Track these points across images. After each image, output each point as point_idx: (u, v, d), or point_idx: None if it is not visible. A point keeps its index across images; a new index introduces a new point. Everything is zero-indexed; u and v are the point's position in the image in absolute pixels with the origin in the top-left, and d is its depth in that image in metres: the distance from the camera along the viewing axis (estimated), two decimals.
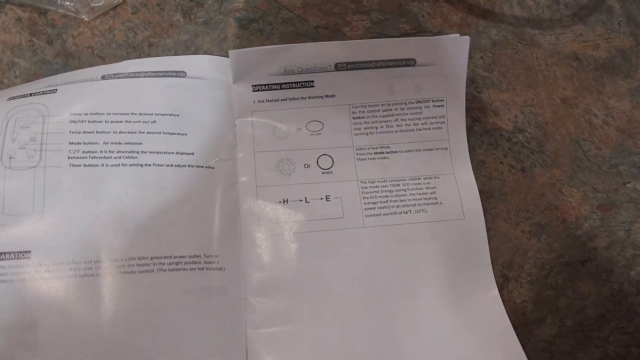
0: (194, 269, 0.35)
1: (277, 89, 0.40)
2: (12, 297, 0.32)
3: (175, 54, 0.41)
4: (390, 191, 0.39)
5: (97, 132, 0.36)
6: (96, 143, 0.36)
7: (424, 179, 0.40)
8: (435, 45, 0.39)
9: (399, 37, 0.43)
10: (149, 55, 0.41)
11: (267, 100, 0.40)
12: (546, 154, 0.42)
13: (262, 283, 0.36)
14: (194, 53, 0.42)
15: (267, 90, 0.40)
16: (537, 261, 0.39)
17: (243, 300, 0.35)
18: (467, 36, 0.39)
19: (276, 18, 0.44)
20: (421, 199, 0.39)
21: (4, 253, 0.32)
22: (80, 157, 0.35)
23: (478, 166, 0.41)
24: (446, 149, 0.41)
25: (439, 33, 0.44)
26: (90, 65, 0.40)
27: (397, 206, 0.39)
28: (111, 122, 0.37)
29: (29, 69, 0.40)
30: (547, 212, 0.41)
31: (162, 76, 0.39)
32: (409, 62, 0.40)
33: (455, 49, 0.40)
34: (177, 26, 0.42)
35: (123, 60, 0.41)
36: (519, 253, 0.39)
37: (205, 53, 0.42)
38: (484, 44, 0.45)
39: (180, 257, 0.35)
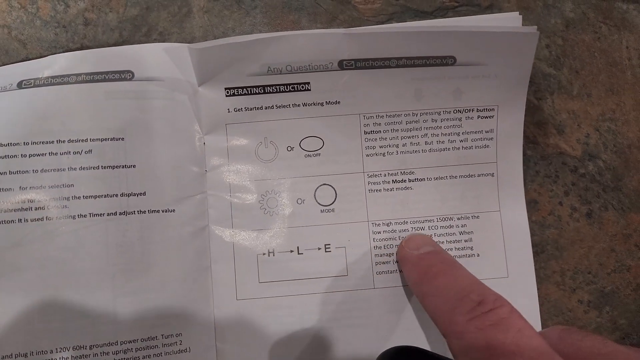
0: (149, 356, 0.27)
1: (259, 94, 0.29)
2: None
3: (121, 37, 0.30)
4: None
5: (10, 173, 0.26)
6: (9, 189, 0.26)
7: (458, 219, 0.29)
8: (486, 40, 0.27)
9: (432, 12, 0.30)
10: (84, 37, 0.30)
11: (246, 109, 0.29)
12: (624, 192, 0.30)
13: None
14: (146, 35, 0.30)
15: (245, 94, 0.29)
16: None
17: None
18: (534, 28, 0.26)
19: None
20: (452, 248, 0.29)
21: None
22: None
23: (528, 207, 0.30)
24: (493, 175, 0.30)
25: (490, 7, 0.30)
26: (7, 53, 0.29)
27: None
28: (30, 156, 0.27)
29: None
30: (615, 274, 0.30)
31: (100, 80, 0.28)
32: (445, 61, 0.28)
33: (516, 46, 0.27)
34: None
35: (50, 46, 0.29)
36: None
37: (160, 36, 0.30)
38: (553, 25, 0.31)
39: (130, 342, 0.26)
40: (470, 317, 0.21)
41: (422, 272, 0.25)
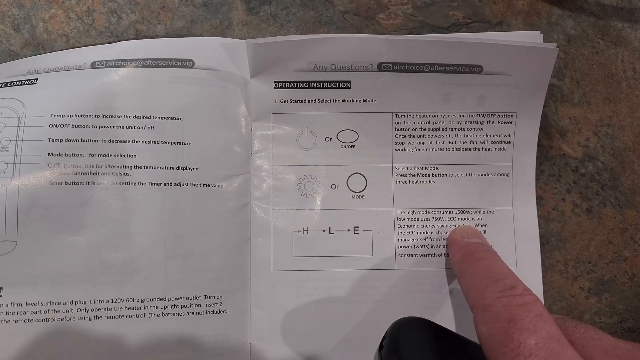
0: (193, 313, 0.30)
1: (304, 88, 0.32)
2: None
3: None
4: (432, 226, 0.32)
5: (82, 141, 0.30)
6: (80, 155, 0.29)
7: (474, 212, 0.33)
8: (511, 53, 0.30)
9: (448, 27, 0.34)
10: None
11: (291, 101, 0.32)
12: (620, 191, 0.34)
13: (270, 328, 0.31)
14: None
15: (292, 88, 0.32)
16: (593, 325, 0.32)
17: (248, 345, 0.31)
18: (554, 45, 0.30)
19: (294, 0, 0.34)
20: None
21: None
22: (62, 173, 0.29)
23: None
24: (508, 175, 0.33)
25: (500, 24, 0.34)
26: None
27: (437, 246, 0.32)
28: (100, 127, 0.30)
29: None
30: (612, 264, 0.33)
31: (165, 66, 0.31)
32: (473, 69, 0.31)
33: (537, 59, 0.30)
34: (170, 8, 0.33)
35: None
36: (574, 314, 0.33)
37: None
38: (556, 41, 0.34)
39: (177, 299, 0.30)
40: (500, 295, 0.24)
41: (467, 254, 0.29)
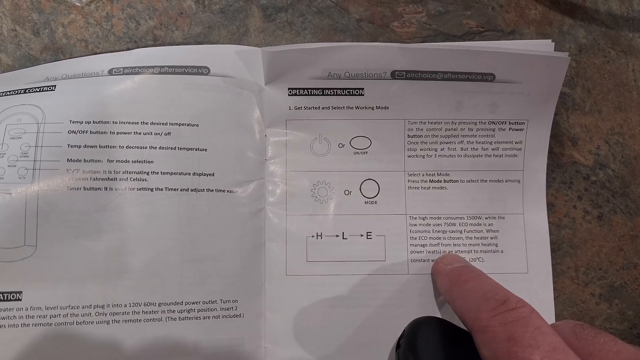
0: (209, 317, 0.30)
1: (318, 95, 0.33)
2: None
3: None
4: (444, 232, 0.33)
5: (100, 147, 0.30)
6: (99, 161, 0.30)
7: (486, 218, 0.33)
8: (523, 62, 0.31)
9: (461, 36, 0.34)
10: None
11: (305, 108, 0.33)
12: (631, 198, 0.34)
13: (285, 331, 0.31)
14: None
15: (306, 95, 0.33)
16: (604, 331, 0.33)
17: (263, 349, 0.31)
18: (566, 54, 0.30)
19: (309, 7, 0.34)
20: (479, 244, 0.33)
21: None
22: (80, 179, 0.29)
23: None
24: (519, 181, 0.33)
25: (512, 32, 0.35)
26: None
27: (449, 252, 0.33)
28: (117, 133, 0.30)
29: (12, 67, 0.33)
30: (623, 271, 0.34)
31: (181, 73, 0.32)
32: (485, 77, 0.32)
33: (549, 68, 0.31)
34: (187, 15, 0.34)
35: None
36: (585, 320, 0.33)
37: None
38: (568, 50, 0.35)
39: (193, 303, 0.30)
40: (494, 314, 0.23)
41: (453, 280, 0.28)
